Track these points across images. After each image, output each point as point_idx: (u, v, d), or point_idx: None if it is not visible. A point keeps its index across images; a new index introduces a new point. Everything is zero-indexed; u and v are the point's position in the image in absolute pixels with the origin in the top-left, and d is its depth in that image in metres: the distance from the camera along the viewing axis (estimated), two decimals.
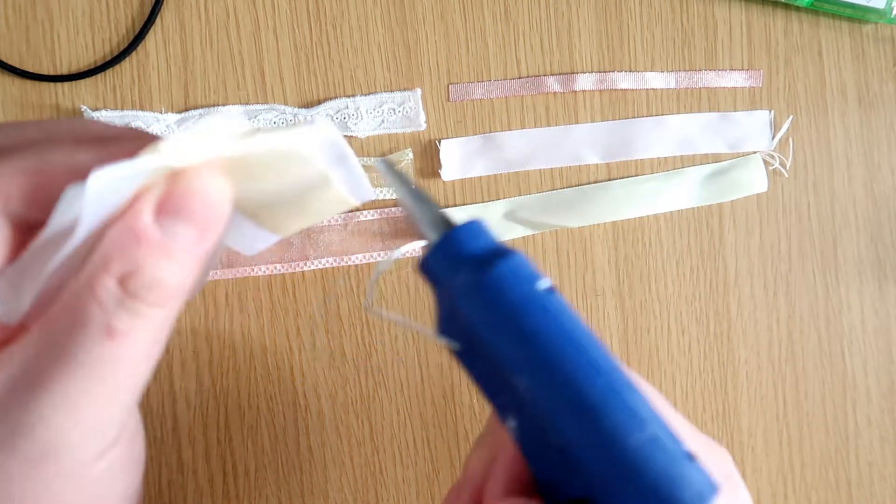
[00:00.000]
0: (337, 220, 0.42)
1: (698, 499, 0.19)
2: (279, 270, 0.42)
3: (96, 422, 0.19)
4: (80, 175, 0.18)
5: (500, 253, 0.21)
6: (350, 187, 0.22)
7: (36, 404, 0.18)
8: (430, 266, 0.22)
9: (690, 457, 0.20)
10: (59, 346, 0.19)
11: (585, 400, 0.19)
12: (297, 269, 0.41)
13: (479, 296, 0.21)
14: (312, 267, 0.41)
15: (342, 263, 0.42)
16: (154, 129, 0.41)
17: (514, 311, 0.20)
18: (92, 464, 0.20)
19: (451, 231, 0.22)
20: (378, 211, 0.42)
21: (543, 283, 0.21)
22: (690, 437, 0.23)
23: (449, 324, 0.22)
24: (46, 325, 0.19)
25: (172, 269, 0.19)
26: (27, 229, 0.20)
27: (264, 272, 0.41)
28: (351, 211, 0.42)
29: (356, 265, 0.42)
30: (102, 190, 0.18)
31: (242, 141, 0.19)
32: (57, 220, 0.19)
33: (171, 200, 0.19)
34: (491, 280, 0.21)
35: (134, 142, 0.20)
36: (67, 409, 0.19)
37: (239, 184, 0.20)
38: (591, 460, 0.19)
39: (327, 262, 0.41)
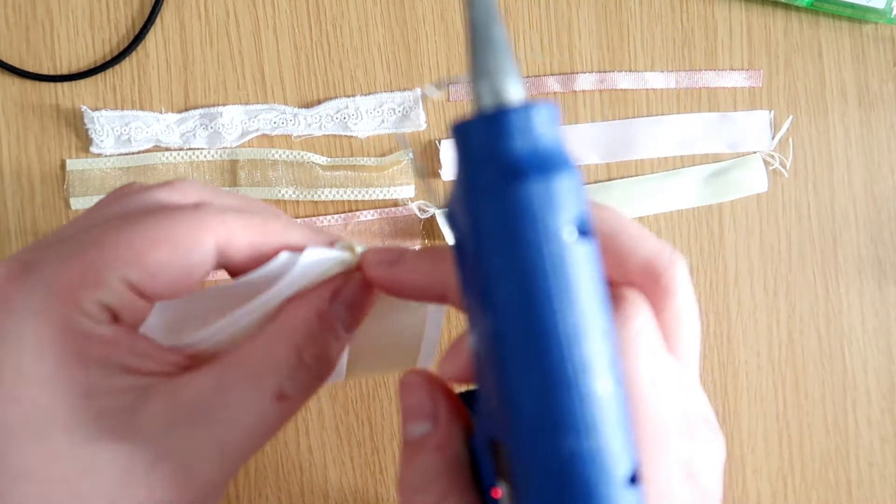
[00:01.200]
0: (337, 221, 0.42)
1: None
2: None
3: (218, 476, 0.22)
4: (287, 247, 0.23)
5: (547, 165, 0.17)
6: (425, 353, 0.27)
7: (190, 441, 0.21)
8: (464, 134, 0.18)
9: (633, 480, 0.17)
10: (227, 396, 0.22)
11: (540, 384, 0.16)
12: None
13: (494, 206, 0.17)
14: None
15: None
16: (154, 128, 0.41)
17: (521, 246, 0.16)
18: None
19: (509, 110, 0.17)
20: (378, 211, 0.42)
21: (574, 231, 0.17)
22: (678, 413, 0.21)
23: (455, 206, 0.18)
24: (222, 372, 0.22)
25: (336, 349, 0.24)
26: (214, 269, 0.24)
27: None
28: (350, 210, 0.42)
29: None
30: (307, 265, 0.24)
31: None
32: (257, 275, 0.23)
33: (344, 290, 0.24)
34: (518, 196, 0.16)
35: (319, 235, 0.25)
36: (215, 453, 0.21)
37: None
38: (520, 444, 0.17)
39: None
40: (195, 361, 0.23)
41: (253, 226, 0.23)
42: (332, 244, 0.25)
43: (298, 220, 0.27)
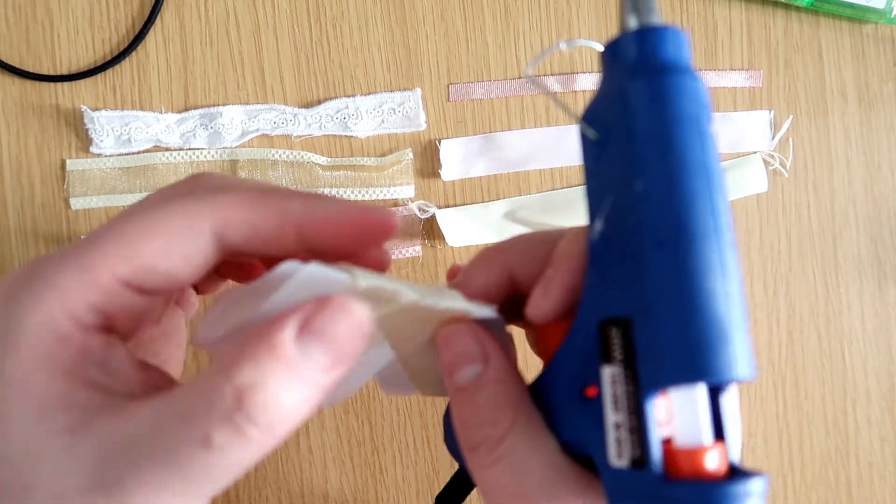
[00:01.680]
0: None
1: (732, 371, 0.18)
2: None
3: None
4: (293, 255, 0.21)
5: (688, 70, 0.21)
6: None
7: (125, 479, 0.19)
8: (618, 48, 0.21)
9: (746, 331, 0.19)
10: (161, 436, 0.19)
11: (688, 230, 0.19)
12: None
13: (655, 96, 0.20)
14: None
15: None
16: (154, 129, 0.41)
17: (677, 125, 0.20)
18: None
19: (656, 28, 0.21)
20: None
21: (707, 117, 0.21)
22: None
23: (598, 111, 0.22)
24: (160, 408, 0.20)
25: (293, 394, 0.19)
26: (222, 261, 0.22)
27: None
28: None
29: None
30: (306, 280, 0.20)
31: (430, 297, 0.22)
32: (259, 283, 0.21)
33: (316, 320, 0.20)
34: (673, 89, 0.20)
35: (319, 201, 0.22)
36: (147, 490, 0.19)
37: (400, 332, 0.22)
38: (660, 282, 0.19)
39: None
40: (164, 383, 0.22)
41: (248, 202, 0.22)
42: (338, 214, 0.22)
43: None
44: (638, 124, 0.20)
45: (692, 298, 0.19)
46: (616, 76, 0.21)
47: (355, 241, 0.23)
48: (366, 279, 0.21)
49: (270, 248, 0.22)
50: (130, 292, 0.21)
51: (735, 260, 0.20)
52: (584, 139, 0.22)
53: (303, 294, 0.20)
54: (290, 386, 0.19)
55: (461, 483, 0.29)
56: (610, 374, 0.20)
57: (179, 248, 0.21)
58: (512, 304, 0.25)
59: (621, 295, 0.20)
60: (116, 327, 0.22)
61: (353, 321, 0.20)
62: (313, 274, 0.20)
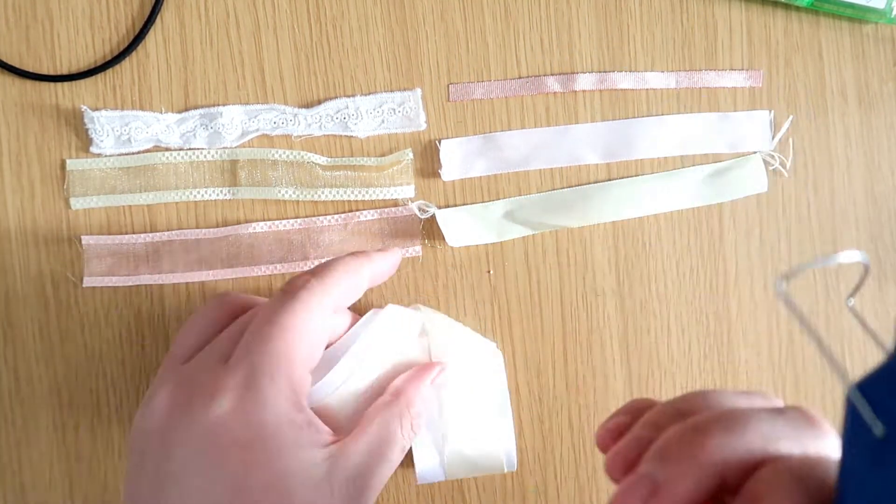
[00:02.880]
0: (337, 220, 0.42)
1: None
2: (279, 270, 0.41)
3: None
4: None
5: None
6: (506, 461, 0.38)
7: (373, 488, 0.31)
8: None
9: None
10: (381, 451, 0.32)
11: None
12: (298, 270, 0.41)
13: None
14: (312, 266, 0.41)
15: None
16: (154, 128, 0.41)
17: None
18: None
19: None
20: (378, 211, 0.42)
21: None
22: None
23: (888, 389, 0.16)
24: (369, 436, 0.32)
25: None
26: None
27: (264, 272, 0.41)
28: (351, 210, 0.42)
29: None
30: (388, 320, 0.37)
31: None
32: (350, 334, 0.37)
33: (441, 377, 0.37)
34: None
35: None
36: (378, 489, 0.32)
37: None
38: None
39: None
40: (334, 427, 0.33)
41: (342, 280, 0.35)
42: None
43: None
44: None
45: None
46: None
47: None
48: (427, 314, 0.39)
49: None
50: (309, 375, 0.33)
51: None
52: (854, 416, 0.16)
53: (387, 333, 0.36)
54: (426, 415, 0.36)
55: None
56: None
57: (320, 337, 0.34)
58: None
59: None
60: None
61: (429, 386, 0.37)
62: (398, 315, 0.38)
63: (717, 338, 0.43)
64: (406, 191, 0.42)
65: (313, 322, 0.32)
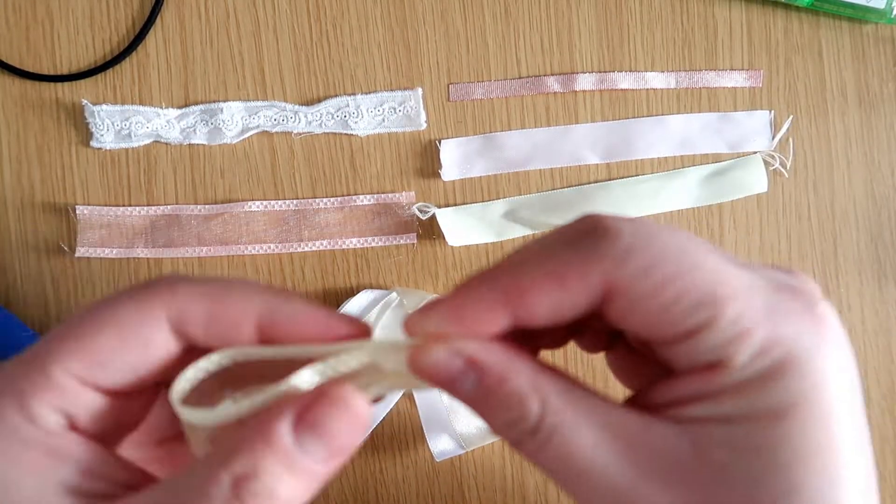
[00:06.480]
0: (333, 203, 0.42)
1: None
2: (273, 250, 0.41)
3: None
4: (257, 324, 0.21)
5: None
6: None
7: None
8: None
9: None
10: None
11: None
12: (292, 250, 0.41)
13: None
14: (307, 249, 0.41)
15: (337, 247, 0.41)
16: (154, 123, 0.41)
17: None
18: None
19: None
20: (374, 196, 0.42)
21: None
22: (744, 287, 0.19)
23: None
24: (166, 489, 0.20)
25: (290, 485, 0.19)
26: (189, 349, 0.21)
27: (259, 251, 0.41)
28: (346, 195, 0.42)
29: (352, 249, 0.42)
30: (363, 299, 0.35)
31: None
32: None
33: (312, 413, 0.19)
34: None
35: (287, 301, 0.22)
36: None
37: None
38: None
39: (322, 244, 0.41)
40: (144, 480, 0.21)
41: (206, 294, 0.21)
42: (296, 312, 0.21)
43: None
44: None
45: None
46: None
47: (315, 340, 0.22)
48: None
49: (229, 340, 0.21)
50: (91, 391, 0.20)
51: None
52: None
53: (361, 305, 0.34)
54: (286, 479, 0.19)
55: None
56: None
57: (133, 340, 0.20)
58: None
59: None
60: (87, 430, 0.21)
61: (352, 415, 0.20)
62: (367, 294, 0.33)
63: None
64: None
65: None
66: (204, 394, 0.21)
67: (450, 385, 0.20)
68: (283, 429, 0.19)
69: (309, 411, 0.19)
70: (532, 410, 0.20)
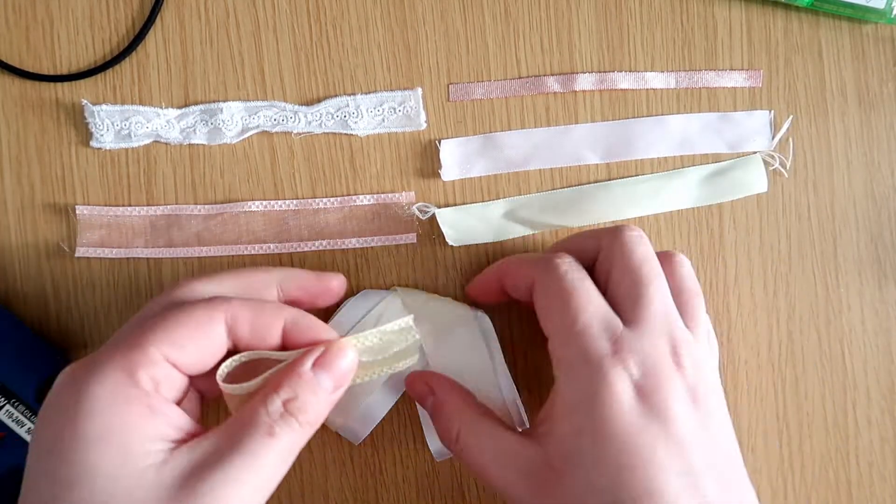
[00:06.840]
0: (333, 203, 0.42)
1: None
2: (273, 250, 0.41)
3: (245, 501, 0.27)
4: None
5: None
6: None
7: (211, 481, 0.27)
8: None
9: None
10: (234, 440, 0.28)
11: None
12: (292, 250, 0.41)
13: None
14: (306, 249, 0.41)
15: (336, 247, 0.41)
16: (154, 123, 0.41)
17: None
18: None
19: None
20: (374, 196, 0.42)
21: None
22: None
23: None
24: (227, 426, 0.29)
25: (314, 403, 0.30)
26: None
27: (258, 251, 0.41)
28: (346, 195, 0.42)
29: (352, 249, 0.42)
30: (362, 300, 0.40)
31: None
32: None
33: (325, 359, 0.30)
34: None
35: (306, 318, 0.33)
36: (232, 485, 0.27)
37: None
38: None
39: (321, 244, 0.41)
40: (202, 431, 0.29)
41: (252, 308, 0.31)
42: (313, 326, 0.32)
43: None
44: None
45: None
46: None
47: (315, 344, 0.32)
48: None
49: (264, 337, 0.31)
50: (171, 368, 0.29)
51: None
52: None
53: (362, 305, 0.40)
54: (312, 399, 0.30)
55: None
56: None
57: (204, 333, 0.30)
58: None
59: None
60: (166, 395, 0.29)
61: (347, 360, 0.31)
62: (367, 294, 0.41)
63: (717, 338, 0.43)
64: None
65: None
66: (235, 377, 0.31)
67: (421, 400, 0.37)
68: (308, 366, 0.30)
69: (323, 356, 0.30)
70: (453, 429, 0.34)
